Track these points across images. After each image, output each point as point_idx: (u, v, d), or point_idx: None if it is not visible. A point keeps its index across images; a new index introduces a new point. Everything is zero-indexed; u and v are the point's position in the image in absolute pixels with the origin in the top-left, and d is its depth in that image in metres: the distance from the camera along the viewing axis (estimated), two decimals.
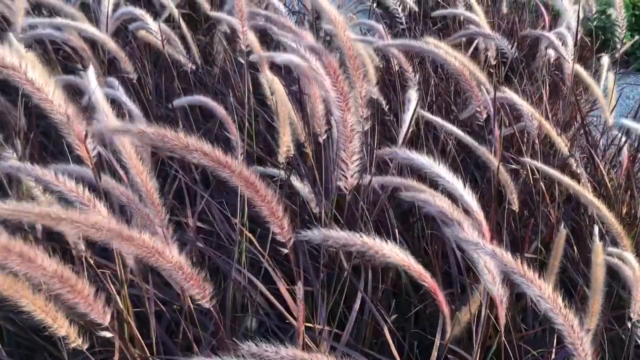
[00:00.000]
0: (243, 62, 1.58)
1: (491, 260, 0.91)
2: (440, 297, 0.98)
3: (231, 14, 1.95)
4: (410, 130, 2.09)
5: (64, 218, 0.83)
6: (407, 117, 1.59)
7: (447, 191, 1.11)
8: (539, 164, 1.44)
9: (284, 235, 0.97)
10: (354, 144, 1.02)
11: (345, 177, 1.03)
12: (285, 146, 1.43)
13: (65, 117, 0.95)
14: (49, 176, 0.97)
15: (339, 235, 0.91)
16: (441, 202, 0.97)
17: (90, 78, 1.11)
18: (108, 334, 0.96)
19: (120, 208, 1.20)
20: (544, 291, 0.81)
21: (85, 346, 0.95)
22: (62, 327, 0.92)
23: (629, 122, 1.64)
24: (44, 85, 0.93)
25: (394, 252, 0.92)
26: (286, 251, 0.98)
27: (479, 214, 1.01)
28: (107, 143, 1.17)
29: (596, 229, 1.15)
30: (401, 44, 1.76)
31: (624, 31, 2.22)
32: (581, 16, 2.14)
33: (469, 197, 1.00)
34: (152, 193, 1.05)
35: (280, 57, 1.29)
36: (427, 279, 0.94)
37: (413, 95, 1.69)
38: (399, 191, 1.57)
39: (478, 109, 1.47)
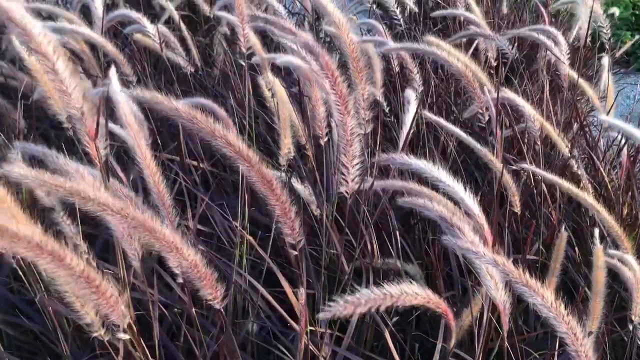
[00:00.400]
0: (243, 64, 1.58)
1: (493, 268, 0.90)
2: (450, 316, 0.97)
3: (229, 11, 1.94)
4: (410, 132, 2.09)
5: (91, 197, 0.83)
6: (408, 119, 1.59)
7: (447, 194, 1.10)
8: (538, 170, 1.43)
9: (294, 237, 0.96)
10: (354, 147, 1.01)
11: (347, 181, 1.02)
12: (286, 148, 1.43)
13: (79, 112, 0.94)
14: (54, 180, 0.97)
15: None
16: (440, 207, 0.97)
17: (114, 80, 1.10)
18: (126, 336, 0.96)
19: None
20: (546, 299, 0.81)
21: (107, 337, 0.96)
22: (88, 313, 0.92)
23: (619, 123, 1.64)
24: (67, 78, 0.92)
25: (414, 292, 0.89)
26: (295, 253, 0.98)
27: (480, 217, 1.00)
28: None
29: (597, 232, 1.14)
30: (404, 47, 1.75)
31: (608, 31, 2.22)
32: (591, 18, 2.14)
33: (470, 201, 0.99)
34: (164, 194, 1.04)
35: (281, 58, 1.29)
36: (441, 305, 0.93)
37: (412, 95, 1.68)
38: (400, 194, 1.57)
39: (480, 111, 1.46)
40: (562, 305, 0.83)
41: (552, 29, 2.02)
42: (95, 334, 0.95)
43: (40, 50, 0.90)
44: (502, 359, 1.34)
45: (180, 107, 0.89)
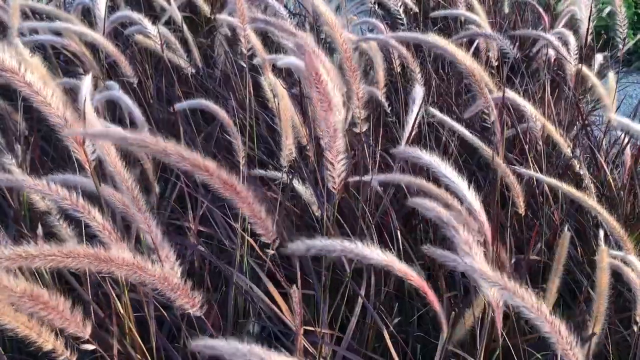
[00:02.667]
0: (244, 64, 1.58)
1: (486, 266, 0.90)
2: (431, 296, 0.98)
3: (232, 15, 1.94)
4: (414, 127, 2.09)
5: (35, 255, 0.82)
6: (412, 116, 1.58)
7: (451, 191, 1.10)
8: (538, 175, 1.43)
9: (268, 237, 0.96)
10: (338, 143, 1.01)
11: (333, 177, 1.03)
12: (288, 149, 1.43)
13: (63, 120, 0.94)
14: (46, 188, 0.97)
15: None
16: (439, 208, 0.97)
17: (85, 84, 1.10)
18: (91, 347, 0.95)
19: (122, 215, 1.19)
20: (542, 314, 0.81)
21: (74, 358, 0.94)
22: (47, 341, 0.91)
23: (628, 122, 1.63)
24: (42, 88, 0.92)
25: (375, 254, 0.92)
26: (272, 252, 0.98)
27: (481, 213, 1.00)
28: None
29: (602, 233, 1.14)
30: (413, 37, 1.73)
31: (625, 30, 2.20)
32: (587, 15, 2.13)
33: (472, 198, 0.99)
34: (138, 199, 1.04)
35: (282, 60, 1.28)
36: (412, 277, 0.94)
37: (419, 92, 1.67)
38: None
39: (486, 110, 1.46)
40: (558, 320, 0.84)
41: (564, 30, 2.02)
42: (61, 359, 0.93)
43: (4, 67, 0.90)
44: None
45: (129, 135, 0.89)
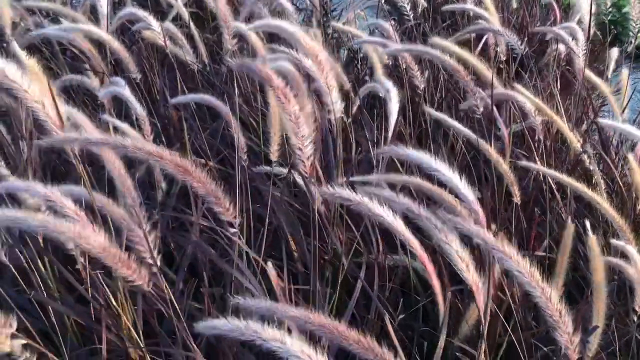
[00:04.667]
0: (230, 61, 1.58)
1: (464, 250, 0.90)
2: (430, 268, 0.99)
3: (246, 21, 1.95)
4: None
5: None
6: (393, 108, 1.58)
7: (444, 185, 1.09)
8: (542, 168, 1.42)
9: (227, 215, 0.97)
10: (302, 129, 1.04)
11: (302, 161, 1.06)
12: (277, 145, 1.45)
13: (40, 104, 0.95)
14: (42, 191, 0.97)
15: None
16: (406, 200, 0.97)
17: None
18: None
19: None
20: (520, 264, 0.82)
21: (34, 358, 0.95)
22: (3, 343, 0.91)
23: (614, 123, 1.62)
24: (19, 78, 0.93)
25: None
26: (234, 230, 0.99)
27: (475, 203, 1.01)
28: None
29: (588, 224, 1.14)
30: (409, 49, 1.74)
31: (639, 24, 2.18)
32: (594, 10, 2.11)
33: (465, 188, 0.99)
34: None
35: (273, 63, 1.31)
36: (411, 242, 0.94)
37: (389, 84, 1.66)
38: (406, 190, 1.56)
39: (475, 102, 1.46)
40: (537, 271, 0.84)
41: (573, 25, 2.00)
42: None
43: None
44: (511, 354, 1.33)
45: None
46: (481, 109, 1.40)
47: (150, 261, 0.94)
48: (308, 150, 1.05)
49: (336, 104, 1.15)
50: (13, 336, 0.90)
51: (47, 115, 0.95)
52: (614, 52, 2.02)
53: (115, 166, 1.07)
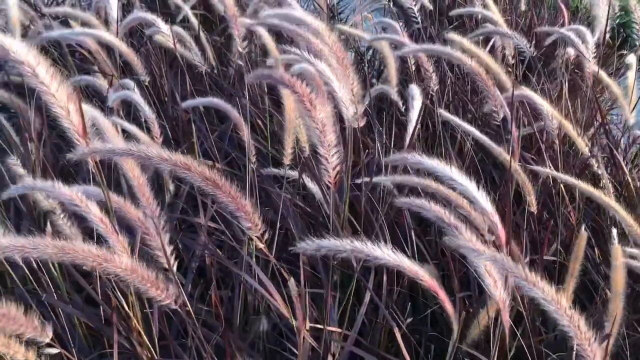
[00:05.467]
0: (240, 62, 1.57)
1: (492, 264, 0.89)
2: (442, 296, 0.97)
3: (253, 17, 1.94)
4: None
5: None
6: (413, 115, 1.57)
7: (462, 193, 1.08)
8: (554, 173, 1.41)
9: (255, 230, 0.96)
10: (329, 138, 1.02)
11: (327, 171, 1.03)
12: (290, 149, 1.43)
13: (65, 110, 0.93)
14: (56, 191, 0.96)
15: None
16: (438, 207, 0.95)
17: None
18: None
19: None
20: (547, 293, 0.80)
21: None
22: (18, 352, 0.91)
23: None
24: (48, 79, 0.91)
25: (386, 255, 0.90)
26: (262, 246, 0.98)
27: (494, 215, 0.99)
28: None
29: (614, 232, 1.12)
30: (424, 49, 1.73)
31: None
32: (606, 13, 2.10)
33: (483, 199, 0.97)
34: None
35: (293, 67, 1.29)
36: (423, 278, 0.92)
37: (415, 90, 1.65)
38: (416, 192, 1.55)
39: (494, 109, 1.44)
40: (564, 298, 0.82)
41: (582, 27, 1.99)
42: None
43: (17, 58, 0.89)
44: None
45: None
46: (501, 115, 1.38)
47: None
48: (334, 160, 1.02)
49: (349, 109, 1.13)
50: (48, 345, 0.89)
51: (70, 122, 0.92)
52: (631, 58, 2.00)
53: (129, 167, 1.06)
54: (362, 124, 1.16)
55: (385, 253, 0.88)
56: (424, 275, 0.92)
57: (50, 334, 0.90)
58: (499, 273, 0.89)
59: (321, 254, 0.90)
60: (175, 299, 0.90)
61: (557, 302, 0.81)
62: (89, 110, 1.18)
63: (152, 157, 0.84)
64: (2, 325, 0.87)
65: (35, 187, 1.02)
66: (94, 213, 0.96)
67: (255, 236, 0.96)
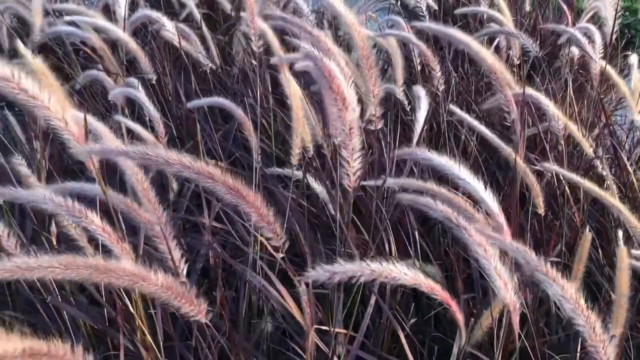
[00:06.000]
0: (254, 62, 1.57)
1: (502, 267, 0.88)
2: (454, 307, 0.96)
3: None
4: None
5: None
6: (421, 115, 1.56)
7: (467, 193, 1.08)
8: (561, 170, 1.40)
9: (277, 240, 0.95)
10: (354, 141, 1.00)
11: (348, 175, 1.02)
12: (298, 148, 1.42)
13: (63, 122, 0.92)
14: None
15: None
16: (444, 207, 0.95)
17: None
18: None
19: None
20: (566, 291, 0.79)
21: None
22: None
23: None
24: (38, 93, 0.89)
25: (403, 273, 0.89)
26: (281, 256, 0.96)
27: (500, 216, 0.98)
28: None
29: (620, 233, 1.11)
30: (436, 30, 1.69)
31: None
32: (611, 14, 2.09)
33: (490, 200, 0.97)
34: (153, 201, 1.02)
35: (298, 63, 1.27)
36: (439, 293, 0.92)
37: (421, 91, 1.65)
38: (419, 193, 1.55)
39: (506, 108, 1.43)
40: (582, 297, 0.81)
41: (590, 26, 1.98)
42: None
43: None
44: None
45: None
46: (513, 116, 1.37)
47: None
48: (356, 165, 1.00)
49: (355, 110, 1.12)
50: None
51: (69, 132, 0.91)
52: (634, 58, 1.99)
53: (130, 168, 1.06)
54: (379, 126, 1.15)
55: (402, 272, 0.87)
56: (439, 290, 0.91)
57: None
58: (508, 275, 0.89)
59: (334, 281, 0.87)
60: (206, 314, 0.89)
61: (576, 301, 0.80)
62: (92, 122, 1.17)
63: (173, 164, 0.83)
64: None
65: (29, 199, 1.00)
66: (96, 223, 0.95)
67: (275, 245, 0.95)
